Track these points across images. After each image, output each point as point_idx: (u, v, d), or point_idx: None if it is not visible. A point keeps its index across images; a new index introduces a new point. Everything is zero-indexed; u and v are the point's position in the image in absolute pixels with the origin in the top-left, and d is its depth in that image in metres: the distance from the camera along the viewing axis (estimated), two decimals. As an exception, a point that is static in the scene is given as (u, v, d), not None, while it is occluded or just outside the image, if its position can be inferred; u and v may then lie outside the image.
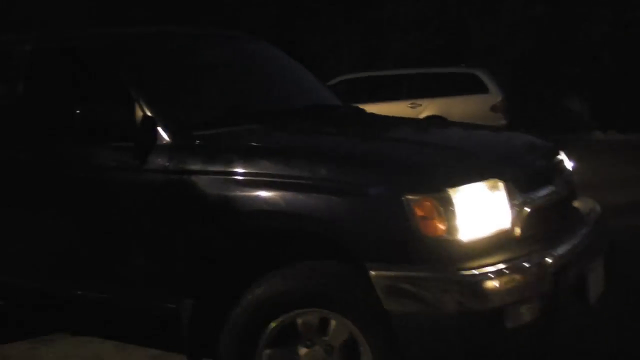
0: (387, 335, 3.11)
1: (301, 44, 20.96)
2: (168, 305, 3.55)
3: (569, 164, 4.17)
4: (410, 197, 3.02)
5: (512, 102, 16.00)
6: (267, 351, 3.34)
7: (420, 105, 14.97)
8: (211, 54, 4.63)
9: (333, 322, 3.24)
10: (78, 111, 3.61)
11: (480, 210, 3.12)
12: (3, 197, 4.22)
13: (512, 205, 3.21)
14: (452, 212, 3.03)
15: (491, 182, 3.20)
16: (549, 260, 3.19)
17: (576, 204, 4.07)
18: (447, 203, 3.03)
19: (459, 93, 15.12)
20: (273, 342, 3.33)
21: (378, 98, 13.92)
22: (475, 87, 15.10)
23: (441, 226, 3.02)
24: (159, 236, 3.59)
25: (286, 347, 3.33)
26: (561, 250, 3.33)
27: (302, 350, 3.32)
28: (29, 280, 4.17)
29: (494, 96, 15.01)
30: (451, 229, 3.02)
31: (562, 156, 4.13)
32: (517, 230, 3.22)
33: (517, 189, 3.28)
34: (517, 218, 3.22)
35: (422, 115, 14.35)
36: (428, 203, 3.02)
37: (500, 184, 3.21)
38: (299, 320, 3.28)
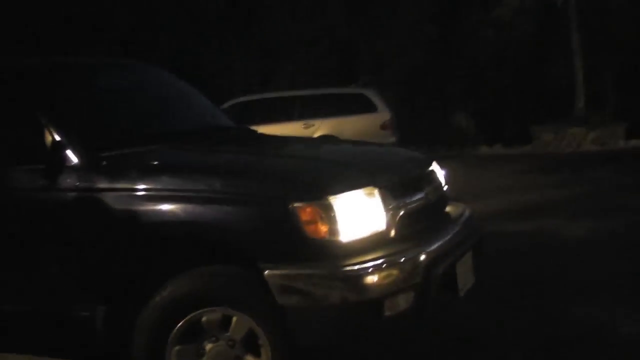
0: (282, 327, 3.48)
1: (196, 67, 21.22)
2: (82, 314, 3.79)
3: (441, 174, 4.64)
4: (295, 204, 3.43)
5: (401, 119, 16.60)
6: (176, 348, 3.61)
7: (313, 125, 15.30)
8: (112, 81, 4.88)
9: (234, 319, 3.56)
10: None
11: (358, 215, 3.53)
12: None
13: (387, 210, 3.64)
14: (333, 217, 3.44)
15: (367, 189, 3.62)
16: (421, 256, 3.63)
17: (448, 208, 4.55)
18: (328, 209, 3.44)
19: (349, 113, 15.49)
20: (181, 339, 3.61)
21: (272, 119, 14.28)
22: (364, 106, 15.53)
23: (324, 229, 3.42)
24: (71, 250, 3.81)
25: (193, 343, 3.62)
26: (432, 247, 3.77)
27: (208, 346, 3.61)
28: None
29: (383, 114, 15.48)
30: (333, 232, 3.43)
31: (435, 166, 4.60)
32: (392, 231, 3.64)
33: (392, 195, 3.71)
34: (392, 220, 3.65)
35: (316, 135, 14.68)
36: (311, 209, 3.43)
37: (376, 191, 3.63)
38: (204, 319, 3.58)
